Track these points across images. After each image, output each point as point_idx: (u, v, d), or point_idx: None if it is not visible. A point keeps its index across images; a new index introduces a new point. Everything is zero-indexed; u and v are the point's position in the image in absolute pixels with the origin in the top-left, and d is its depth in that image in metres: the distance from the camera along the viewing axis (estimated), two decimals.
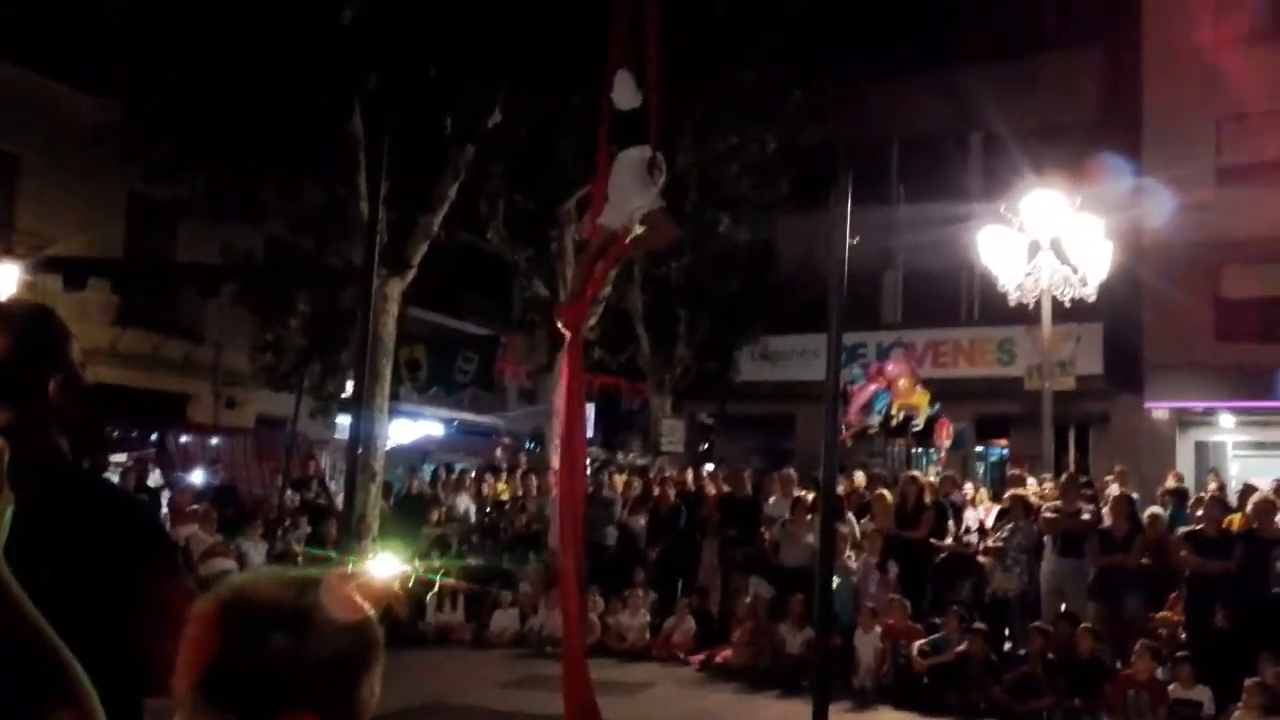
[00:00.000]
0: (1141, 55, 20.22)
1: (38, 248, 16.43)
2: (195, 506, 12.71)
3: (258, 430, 19.52)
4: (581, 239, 7.90)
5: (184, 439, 16.92)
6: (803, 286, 20.43)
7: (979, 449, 22.04)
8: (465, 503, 14.83)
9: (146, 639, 1.61)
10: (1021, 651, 10.18)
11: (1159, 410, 19.77)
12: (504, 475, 16.20)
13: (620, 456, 21.43)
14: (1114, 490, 11.68)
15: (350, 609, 1.23)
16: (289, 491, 14.27)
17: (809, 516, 11.27)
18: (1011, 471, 14.05)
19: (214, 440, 17.10)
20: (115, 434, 15.68)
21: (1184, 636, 9.84)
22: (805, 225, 19.84)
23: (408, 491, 15.39)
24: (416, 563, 12.85)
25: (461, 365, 18.48)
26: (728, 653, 11.36)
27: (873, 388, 16.31)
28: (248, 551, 12.10)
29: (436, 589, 12.87)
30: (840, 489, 11.17)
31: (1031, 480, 12.81)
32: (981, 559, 11.32)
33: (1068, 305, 14.78)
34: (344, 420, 18.43)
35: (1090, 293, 14.63)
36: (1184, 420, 19.98)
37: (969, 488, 13.57)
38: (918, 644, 10.24)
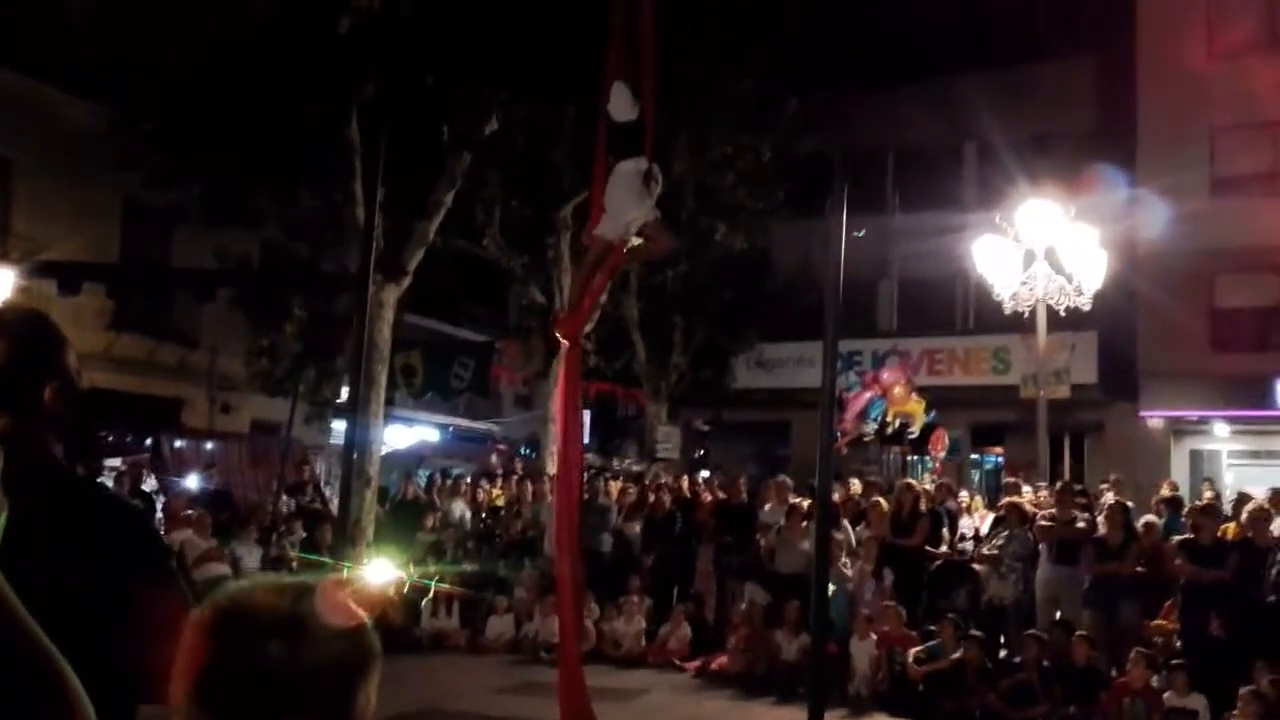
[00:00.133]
0: (1136, 66, 20.31)
1: (32, 252, 16.40)
2: (190, 512, 12.67)
3: (252, 435, 19.49)
4: (586, 246, 7.91)
5: (178, 444, 16.88)
6: (798, 294, 20.49)
7: (974, 457, 22.07)
8: (460, 508, 14.81)
9: (141, 646, 1.61)
10: (1017, 659, 10.17)
11: (1154, 419, 19.82)
12: (499, 481, 16.19)
13: (616, 463, 21.44)
14: (1109, 498, 11.70)
15: (346, 616, 1.23)
16: (284, 496, 14.24)
17: (804, 523, 11.27)
18: (1007, 479, 14.05)
19: (208, 445, 17.06)
20: (110, 439, 15.65)
21: (1179, 645, 9.84)
22: (801, 233, 19.89)
23: (403, 497, 15.37)
24: (411, 568, 12.83)
25: (457, 371, 18.50)
26: (723, 659, 11.35)
27: (868, 395, 16.33)
28: (242, 557, 12.07)
29: (431, 595, 12.82)
30: (836, 496, 11.17)
31: (1027, 488, 12.82)
32: (977, 567, 11.32)
33: (1063, 314, 14.81)
34: (339, 425, 18.44)
35: (1085, 302, 14.67)
36: (1179, 429, 20.03)
37: (964, 495, 13.58)
38: (913, 651, 10.24)
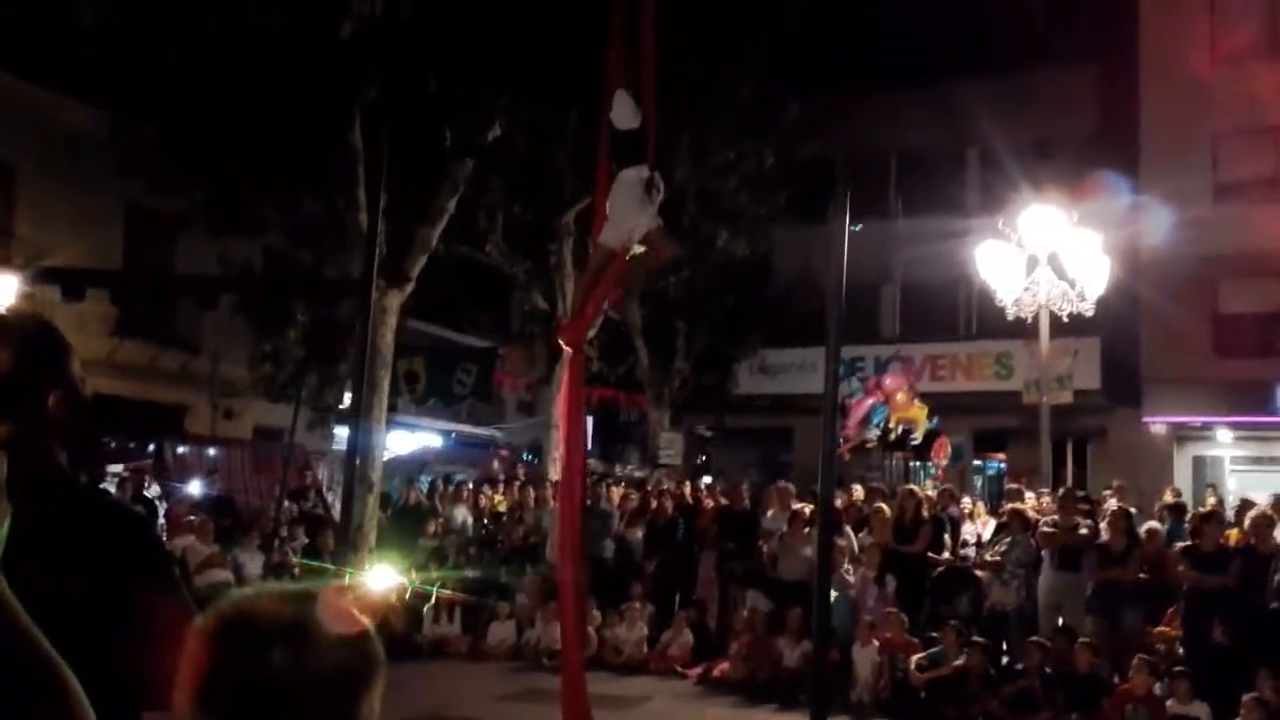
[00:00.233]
0: (1138, 72, 20.33)
1: (35, 258, 16.43)
2: (192, 518, 12.69)
3: (255, 441, 19.50)
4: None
5: (181, 450, 16.90)
6: (800, 300, 20.49)
7: (977, 463, 22.05)
8: (462, 514, 14.81)
9: (143, 653, 1.61)
10: (1019, 666, 10.16)
11: (1156, 425, 19.80)
12: (501, 487, 16.19)
13: (618, 469, 21.43)
14: (1112, 505, 11.68)
15: (349, 623, 1.23)
16: (286, 502, 14.25)
17: (807, 530, 11.26)
18: (1010, 486, 14.04)
19: (211, 451, 17.08)
20: (112, 445, 15.66)
21: (1181, 652, 9.82)
22: (803, 239, 19.89)
23: (405, 503, 15.37)
24: (413, 574, 12.87)
25: (460, 377, 18.50)
26: (725, 666, 11.34)
27: (870, 401, 16.33)
28: (244, 563, 12.08)
29: (433, 601, 12.85)
30: (838, 502, 11.17)
31: (1029, 494, 12.81)
32: (979, 573, 11.30)
33: (1065, 320, 14.80)
34: (342, 431, 18.43)
35: (1088, 307, 14.66)
36: (1181, 435, 20.01)
37: (966, 501, 13.57)
38: (915, 658, 10.23)
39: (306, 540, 13.65)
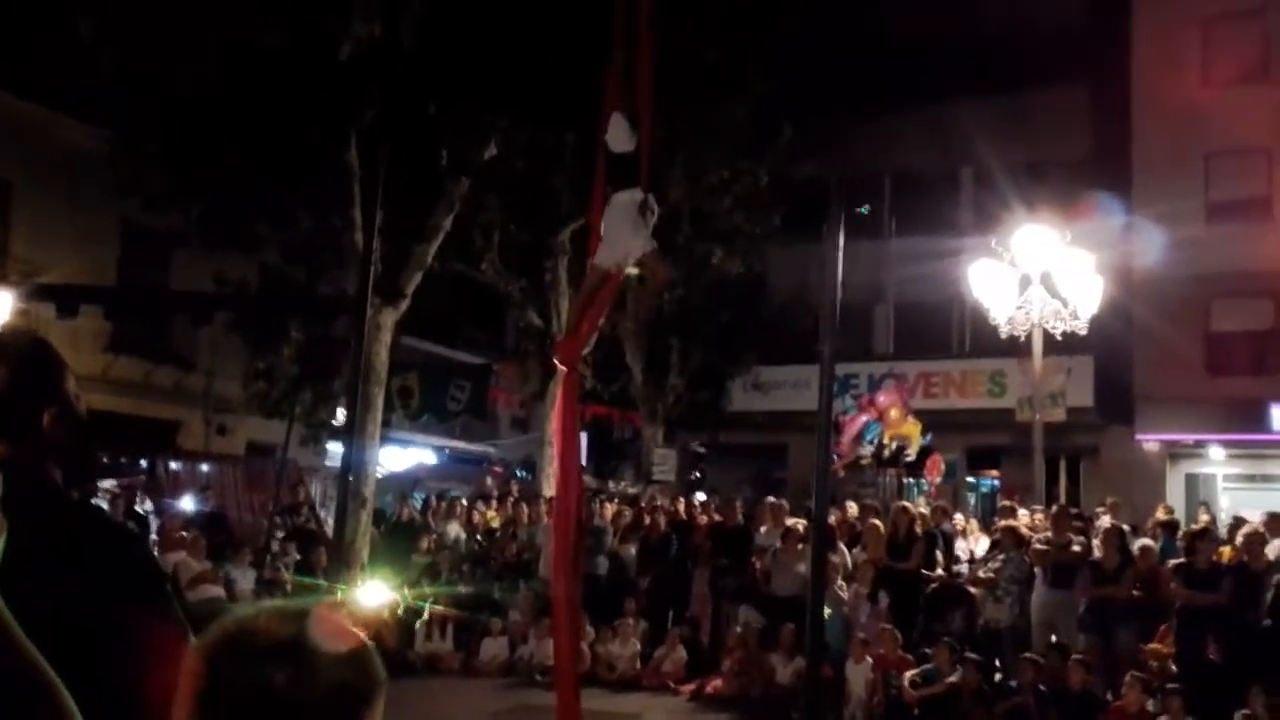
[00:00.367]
0: (1131, 94, 20.48)
1: (30, 275, 16.43)
2: (184, 533, 12.65)
3: (248, 457, 19.47)
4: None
5: (174, 466, 16.86)
6: (794, 318, 20.54)
7: (970, 480, 22.06)
8: (456, 530, 14.78)
9: (137, 671, 1.62)
10: (1013, 683, 10.15)
11: (1149, 443, 19.85)
12: (495, 503, 16.16)
13: (611, 485, 21.41)
14: (1105, 522, 11.70)
15: (344, 640, 1.24)
16: (278, 518, 14.23)
17: (800, 546, 11.27)
18: (1003, 503, 14.05)
19: (204, 467, 17.05)
20: (105, 460, 15.63)
21: (1174, 669, 9.83)
22: (797, 257, 19.96)
23: (398, 519, 15.34)
24: (406, 590, 12.85)
25: (454, 394, 18.50)
26: (718, 682, 11.32)
27: (864, 418, 16.35)
28: (236, 579, 12.04)
29: (426, 617, 12.82)
30: (832, 519, 11.17)
31: (1023, 511, 12.82)
32: (972, 590, 11.31)
33: (1059, 338, 14.86)
34: (335, 448, 18.42)
35: (1081, 326, 14.72)
36: (1174, 453, 20.06)
37: (959, 518, 13.58)
38: (909, 675, 10.22)
39: (299, 557, 13.62)
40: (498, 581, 13.77)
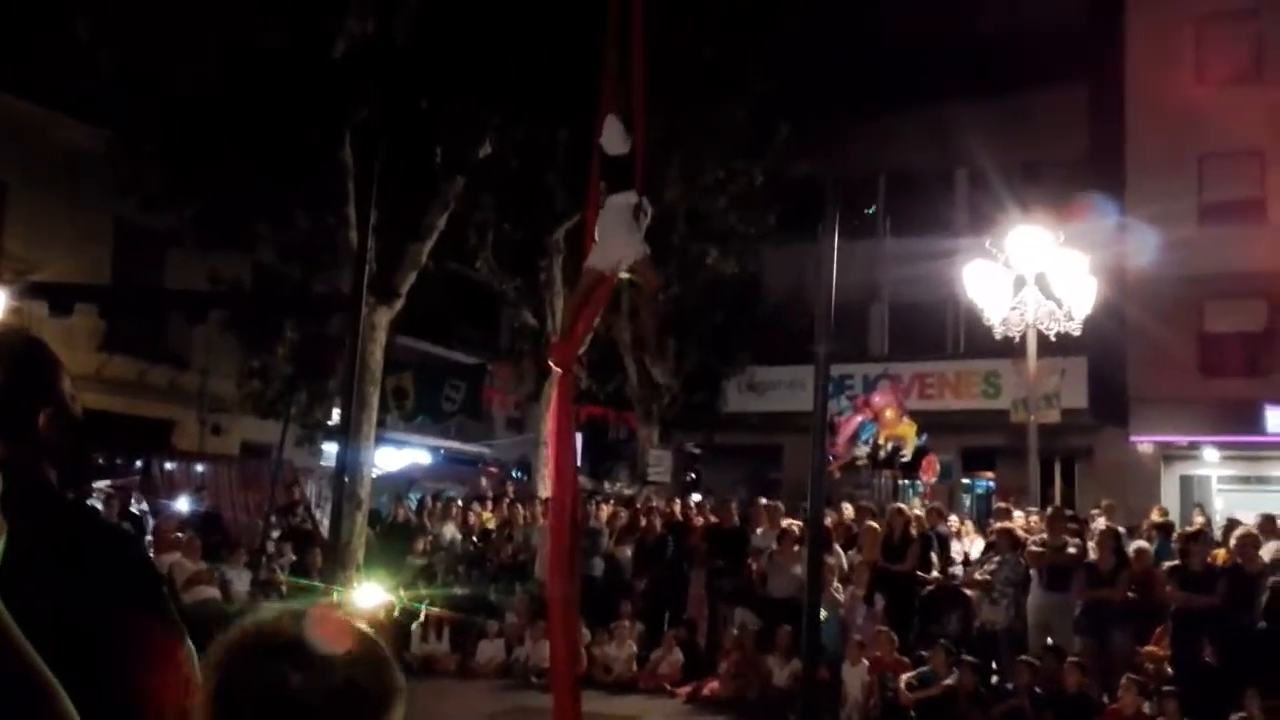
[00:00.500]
0: (1125, 95, 20.49)
1: (24, 273, 16.39)
2: (179, 534, 12.62)
3: (243, 457, 19.43)
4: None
5: (169, 466, 16.83)
6: (789, 318, 20.53)
7: (965, 481, 22.08)
8: (451, 532, 14.76)
9: (134, 672, 1.61)
10: (1009, 685, 10.16)
11: (1143, 444, 19.87)
12: (490, 504, 16.14)
13: (607, 486, 21.39)
14: (1100, 524, 11.70)
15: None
16: (273, 518, 14.19)
17: (796, 548, 11.26)
18: (998, 504, 14.06)
19: (199, 467, 17.01)
20: (99, 460, 15.59)
21: (1170, 671, 9.84)
22: (793, 257, 19.96)
23: (393, 520, 15.32)
24: (401, 592, 12.82)
25: (449, 394, 18.47)
26: (714, 684, 11.31)
27: (859, 418, 16.35)
28: (231, 579, 12.02)
29: (422, 618, 12.80)
30: (827, 520, 11.17)
31: (1018, 513, 12.82)
32: (968, 592, 11.31)
33: (1053, 339, 14.87)
34: (330, 448, 18.38)
35: (1075, 327, 14.73)
36: (1169, 454, 20.08)
37: (953, 520, 13.58)
38: (905, 677, 10.21)
39: (294, 558, 13.59)
40: (494, 583, 13.76)
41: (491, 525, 15.06)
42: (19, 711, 1.19)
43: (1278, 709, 8.50)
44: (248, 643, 1.21)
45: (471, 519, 15.29)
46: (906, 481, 17.44)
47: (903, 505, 13.09)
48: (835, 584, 11.26)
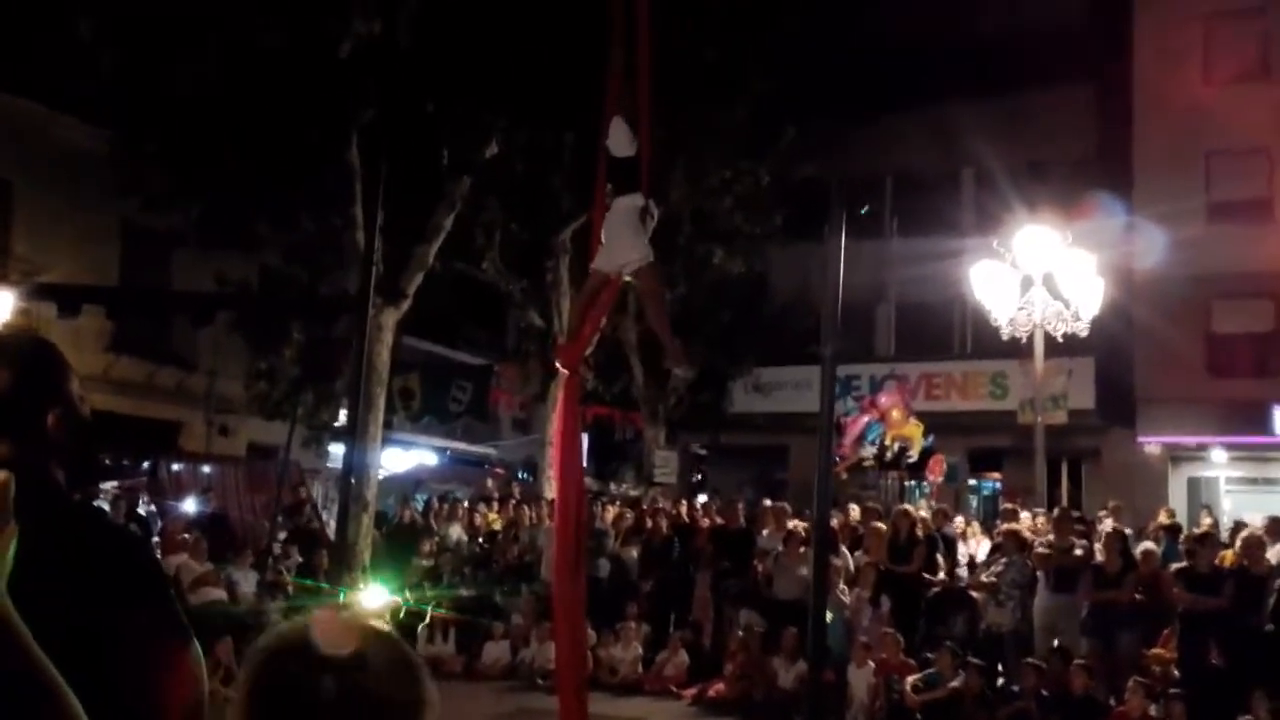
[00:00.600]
0: (1132, 94, 20.45)
1: (31, 274, 16.43)
2: (186, 535, 12.64)
3: (249, 459, 19.45)
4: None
5: (175, 467, 16.84)
6: (796, 318, 20.51)
7: (971, 482, 22.03)
8: (457, 533, 14.77)
9: (141, 674, 1.61)
10: (1015, 687, 10.14)
11: (1151, 445, 19.82)
12: (496, 505, 16.15)
13: (613, 487, 21.39)
14: (1107, 526, 11.67)
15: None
16: (280, 519, 14.21)
17: (802, 549, 11.24)
18: (1005, 506, 14.02)
19: (205, 468, 17.02)
20: (107, 461, 15.62)
21: (1177, 673, 9.81)
22: (799, 258, 19.94)
23: (400, 521, 15.33)
24: (408, 593, 12.83)
25: (455, 395, 18.50)
26: (720, 686, 11.30)
27: (865, 419, 16.33)
28: (238, 581, 12.03)
29: (428, 620, 12.80)
30: (834, 522, 11.15)
31: (1025, 514, 12.80)
32: (974, 594, 11.29)
33: (1060, 340, 14.84)
34: (337, 449, 18.41)
35: (1082, 327, 14.70)
36: (1176, 455, 20.02)
37: (959, 521, 13.55)
38: (911, 679, 10.20)
39: (300, 559, 13.60)
40: (499, 584, 13.75)
41: (497, 526, 15.08)
42: (27, 711, 1.20)
43: None
44: (284, 650, 1.21)
45: (477, 520, 15.30)
46: (913, 483, 17.42)
47: (909, 507, 13.07)
48: (841, 586, 11.25)
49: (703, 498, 18.01)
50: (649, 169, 5.97)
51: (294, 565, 13.42)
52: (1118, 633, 10.14)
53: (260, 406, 18.83)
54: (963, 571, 11.92)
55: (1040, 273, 14.73)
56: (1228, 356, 19.42)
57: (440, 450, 24.27)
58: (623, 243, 5.87)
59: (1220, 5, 19.75)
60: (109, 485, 14.87)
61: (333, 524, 12.53)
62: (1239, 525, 11.79)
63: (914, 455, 16.15)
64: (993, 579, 10.94)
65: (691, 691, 11.45)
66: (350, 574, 12.30)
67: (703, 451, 24.70)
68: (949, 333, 22.28)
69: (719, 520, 13.40)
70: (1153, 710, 9.15)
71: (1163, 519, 13.13)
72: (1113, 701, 9.53)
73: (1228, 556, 10.40)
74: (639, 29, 5.97)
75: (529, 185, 16.06)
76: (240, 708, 1.22)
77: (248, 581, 12.15)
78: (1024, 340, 14.97)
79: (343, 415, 16.91)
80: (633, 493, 19.73)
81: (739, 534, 12.84)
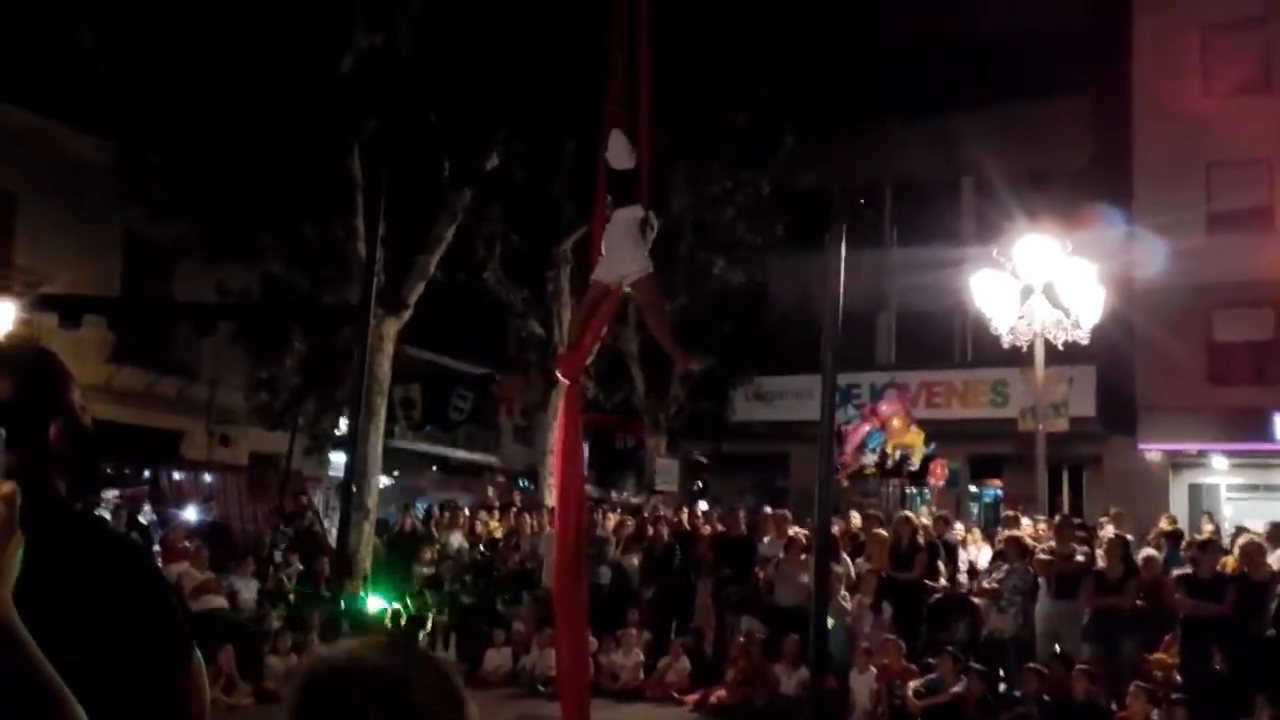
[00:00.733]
0: (1132, 104, 20.49)
1: (33, 285, 16.46)
2: (187, 544, 12.65)
3: (251, 467, 19.47)
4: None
5: (177, 476, 16.87)
6: (797, 327, 20.52)
7: (972, 489, 22.03)
8: (458, 541, 14.77)
9: (143, 682, 1.63)
10: (1017, 693, 10.13)
11: (1152, 452, 19.82)
12: (497, 513, 16.15)
13: (614, 495, 21.39)
14: (1109, 532, 11.67)
15: (446, 684, 1.24)
16: (281, 526, 14.22)
17: (803, 556, 11.25)
18: (1006, 513, 14.02)
19: (207, 477, 17.05)
20: (109, 471, 15.65)
21: (1179, 679, 9.80)
22: (799, 267, 19.96)
23: (401, 529, 15.33)
24: (409, 601, 12.84)
25: (456, 404, 18.53)
26: (722, 693, 11.29)
27: (866, 427, 16.33)
28: (239, 589, 12.03)
29: (429, 627, 12.80)
30: (835, 529, 11.15)
31: (1026, 521, 12.80)
32: (976, 600, 11.29)
33: (1061, 348, 14.85)
34: (338, 458, 18.43)
35: (1083, 336, 14.71)
36: (1177, 462, 20.02)
37: (960, 528, 13.55)
38: (913, 685, 10.19)
39: (301, 567, 13.61)
40: (501, 592, 13.75)
41: (499, 534, 15.08)
42: (29, 714, 1.22)
43: None
44: (329, 672, 1.22)
45: (479, 528, 15.31)
46: (914, 490, 17.42)
47: (909, 514, 13.07)
48: (843, 592, 11.25)
49: (704, 505, 18.01)
50: (649, 179, 5.99)
51: (295, 573, 13.43)
52: (1119, 638, 10.14)
53: (262, 416, 18.85)
54: (964, 578, 11.92)
55: (1041, 281, 14.75)
56: (1228, 365, 19.43)
57: (441, 458, 24.29)
58: (623, 254, 5.89)
59: (1220, 15, 19.80)
60: (110, 494, 14.88)
61: (334, 531, 12.54)
62: (1240, 531, 11.78)
63: (915, 464, 16.16)
64: (995, 585, 10.95)
65: (693, 698, 11.44)
66: (351, 582, 12.31)
67: (704, 460, 24.68)
68: (949, 341, 22.29)
69: (720, 528, 13.41)
70: (1154, 716, 9.14)
71: (1164, 525, 13.11)
72: (1114, 707, 9.53)
73: (1229, 563, 10.40)
74: (639, 29, 5.99)
75: (530, 196, 16.09)
76: None
77: (249, 589, 12.15)
78: (1025, 349, 14.99)
79: (344, 424, 16.92)
80: (634, 500, 19.74)
81: (740, 541, 12.84)
